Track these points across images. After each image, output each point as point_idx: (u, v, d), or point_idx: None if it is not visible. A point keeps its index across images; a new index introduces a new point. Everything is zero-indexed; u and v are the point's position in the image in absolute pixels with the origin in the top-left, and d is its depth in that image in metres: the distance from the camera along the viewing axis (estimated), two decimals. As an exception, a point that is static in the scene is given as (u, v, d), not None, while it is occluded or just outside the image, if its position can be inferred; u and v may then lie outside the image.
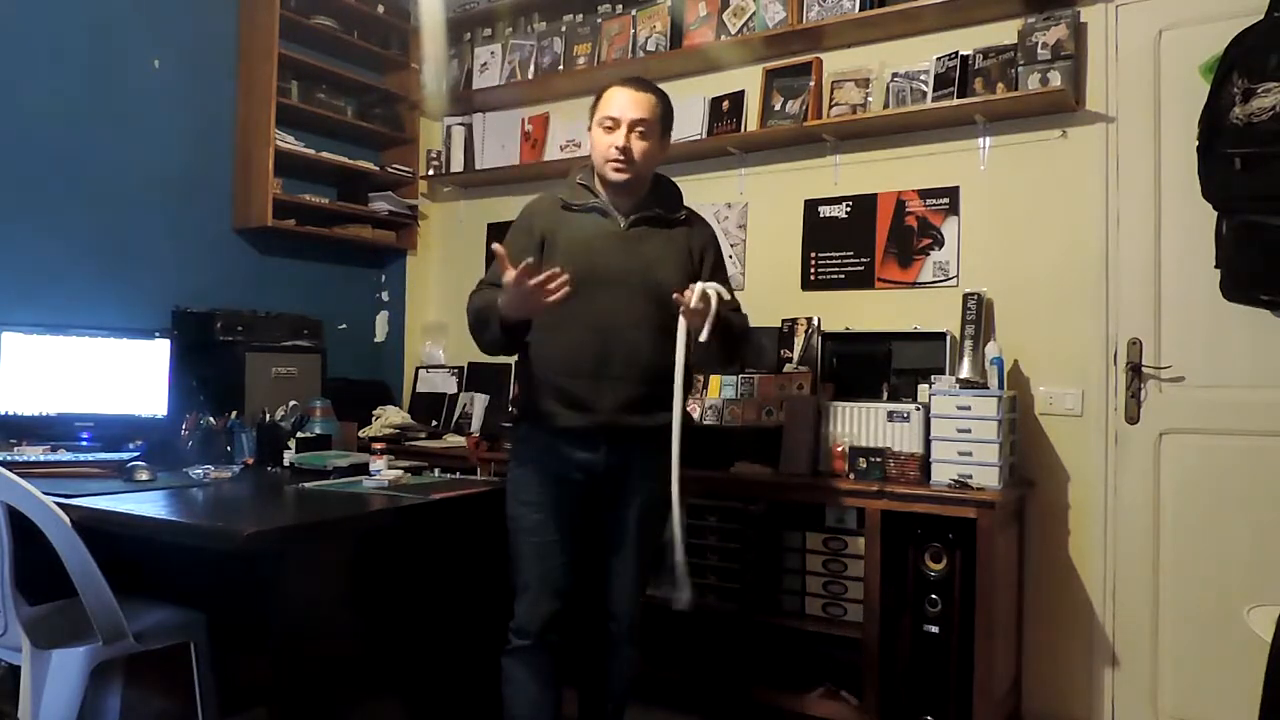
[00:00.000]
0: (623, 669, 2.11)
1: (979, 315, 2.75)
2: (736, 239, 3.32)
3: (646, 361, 1.97)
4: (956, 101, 2.80)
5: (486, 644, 2.07)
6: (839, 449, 2.67)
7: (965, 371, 2.67)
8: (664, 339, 1.97)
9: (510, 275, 1.79)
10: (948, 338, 2.78)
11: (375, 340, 4.08)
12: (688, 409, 2.21)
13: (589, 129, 2.08)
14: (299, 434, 2.64)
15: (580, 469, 1.99)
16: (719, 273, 2.12)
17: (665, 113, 2.08)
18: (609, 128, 2.01)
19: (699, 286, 1.85)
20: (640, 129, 2.01)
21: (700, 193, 3.21)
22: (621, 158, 1.99)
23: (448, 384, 3.89)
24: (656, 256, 2.03)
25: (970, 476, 2.46)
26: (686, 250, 2.08)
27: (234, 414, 2.71)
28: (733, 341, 2.04)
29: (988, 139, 2.88)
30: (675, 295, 1.85)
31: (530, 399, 2.04)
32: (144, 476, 2.19)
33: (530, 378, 2.06)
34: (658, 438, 2.00)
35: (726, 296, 1.89)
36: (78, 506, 1.82)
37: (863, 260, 3.08)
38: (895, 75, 2.99)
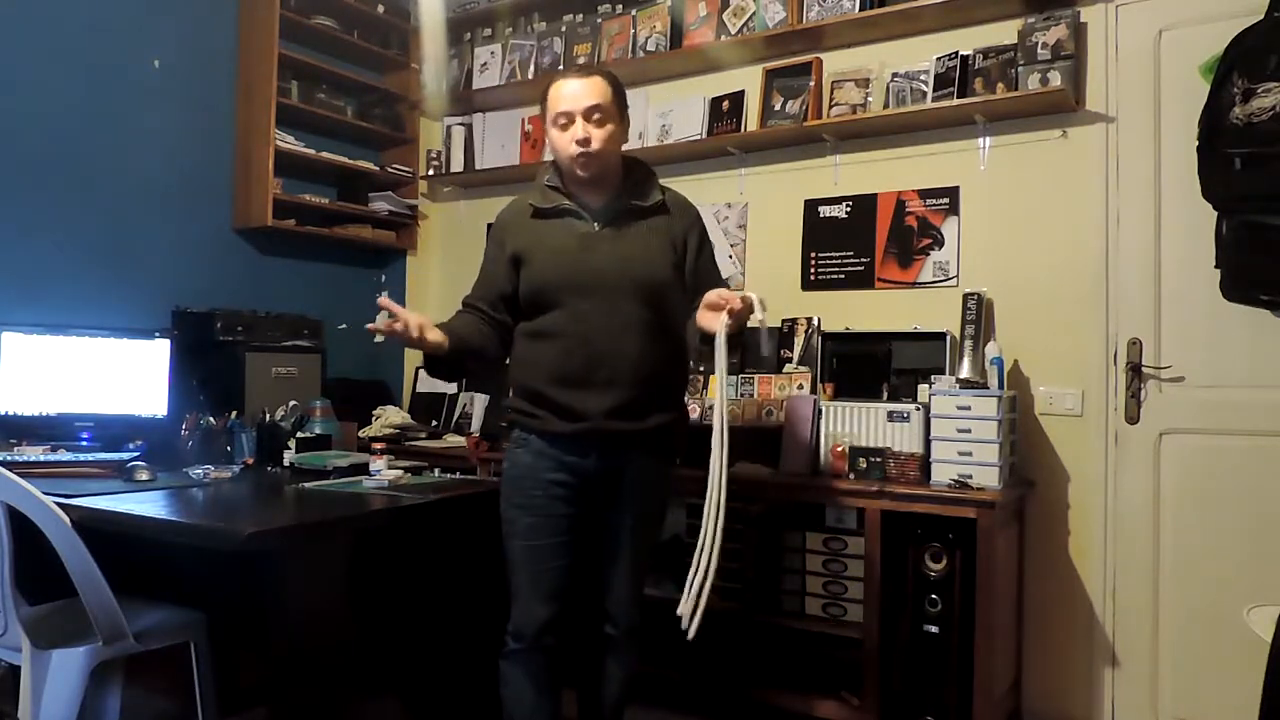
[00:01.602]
0: (621, 671, 2.09)
1: (979, 315, 2.75)
2: (736, 239, 3.32)
3: (635, 364, 1.92)
4: (956, 101, 2.80)
5: (487, 644, 2.07)
6: (839, 449, 2.67)
7: (965, 371, 2.67)
8: (653, 338, 1.94)
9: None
10: (948, 338, 2.78)
11: (375, 340, 4.07)
12: (686, 409, 2.21)
13: (545, 132, 2.02)
14: (299, 434, 2.64)
15: (572, 473, 1.96)
16: (704, 254, 2.05)
17: (617, 91, 1.98)
18: (564, 125, 1.94)
19: (754, 298, 1.73)
20: (596, 115, 1.92)
21: (700, 193, 3.21)
22: (585, 150, 1.92)
23: (447, 384, 3.89)
24: (636, 252, 1.97)
25: (970, 476, 2.46)
26: (668, 238, 2.00)
27: (234, 414, 2.71)
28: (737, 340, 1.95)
29: (988, 139, 2.88)
30: (715, 299, 1.74)
31: (520, 405, 2.01)
32: (144, 476, 2.19)
33: (520, 385, 2.03)
34: (651, 441, 1.99)
35: (760, 316, 1.77)
36: (78, 506, 1.82)
37: (863, 260, 3.08)
38: (895, 75, 2.98)
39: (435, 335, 1.91)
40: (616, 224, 1.99)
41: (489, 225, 2.15)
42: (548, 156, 3.67)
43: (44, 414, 2.67)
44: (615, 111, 1.96)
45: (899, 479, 2.55)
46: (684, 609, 1.68)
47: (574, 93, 1.93)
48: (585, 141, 1.91)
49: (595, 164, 1.94)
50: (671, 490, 2.17)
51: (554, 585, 1.96)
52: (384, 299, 1.91)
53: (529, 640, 1.96)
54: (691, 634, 1.67)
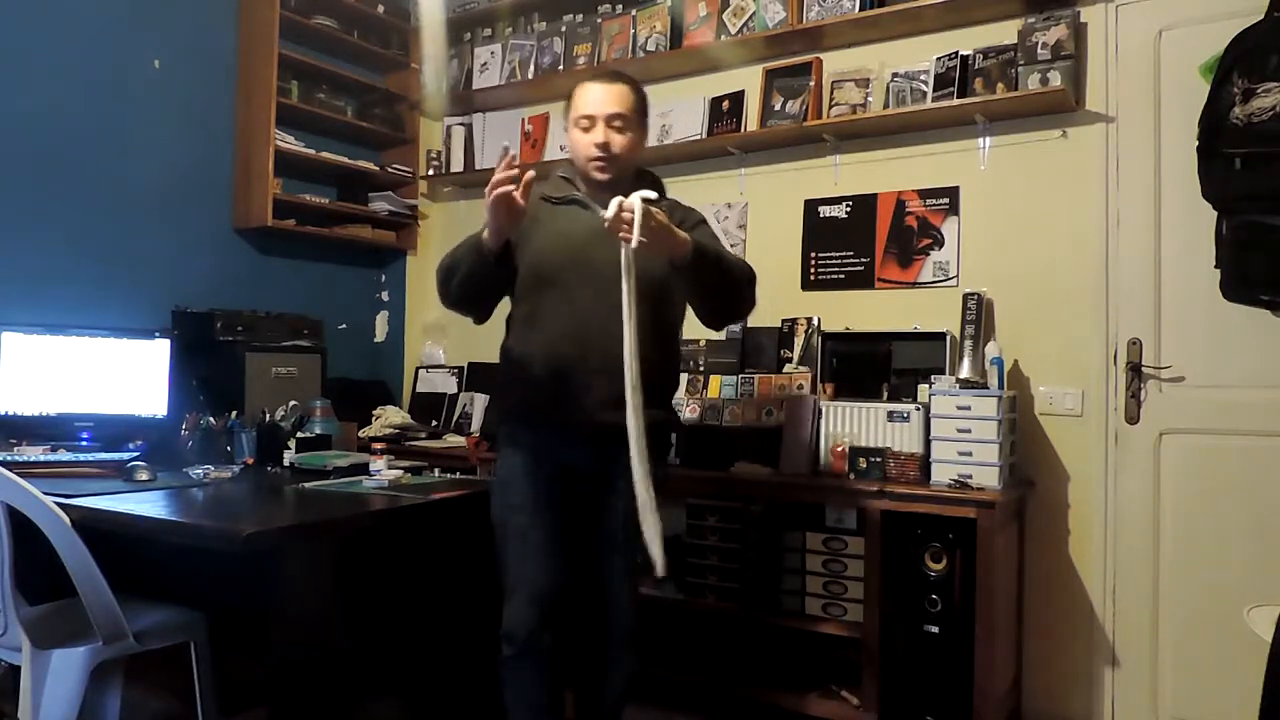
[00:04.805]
0: (620, 672, 2.08)
1: (979, 315, 2.75)
2: (736, 239, 3.32)
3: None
4: (956, 101, 2.80)
5: (487, 644, 2.07)
6: (839, 449, 2.67)
7: (965, 371, 2.67)
8: (649, 334, 1.89)
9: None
10: (948, 338, 2.78)
11: (375, 340, 4.08)
12: (676, 412, 2.19)
13: (566, 130, 2.04)
14: (299, 434, 2.64)
15: (565, 471, 1.96)
16: (699, 230, 1.99)
17: (640, 101, 2.02)
18: (585, 127, 1.97)
19: (616, 199, 1.69)
20: (618, 123, 1.95)
21: (700, 193, 3.21)
22: (603, 155, 1.95)
23: (448, 384, 3.89)
24: (638, 248, 1.93)
25: (970, 476, 2.46)
26: None
27: (234, 414, 2.71)
28: (709, 268, 1.85)
29: (988, 139, 2.88)
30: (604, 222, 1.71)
31: (512, 397, 2.01)
32: (144, 476, 2.18)
33: (512, 376, 2.02)
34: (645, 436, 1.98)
35: (653, 196, 1.75)
36: (78, 506, 1.82)
37: (863, 260, 3.08)
38: (895, 75, 2.98)
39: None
40: None
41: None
42: (551, 151, 3.69)
43: (44, 414, 2.67)
44: (636, 120, 2.00)
45: (899, 479, 2.55)
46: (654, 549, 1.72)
47: (598, 98, 1.96)
48: (605, 146, 1.95)
49: (613, 169, 1.97)
50: (664, 489, 2.16)
51: (546, 586, 1.94)
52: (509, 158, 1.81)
53: (521, 643, 1.94)
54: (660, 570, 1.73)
